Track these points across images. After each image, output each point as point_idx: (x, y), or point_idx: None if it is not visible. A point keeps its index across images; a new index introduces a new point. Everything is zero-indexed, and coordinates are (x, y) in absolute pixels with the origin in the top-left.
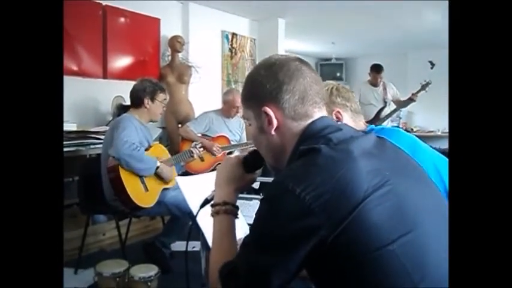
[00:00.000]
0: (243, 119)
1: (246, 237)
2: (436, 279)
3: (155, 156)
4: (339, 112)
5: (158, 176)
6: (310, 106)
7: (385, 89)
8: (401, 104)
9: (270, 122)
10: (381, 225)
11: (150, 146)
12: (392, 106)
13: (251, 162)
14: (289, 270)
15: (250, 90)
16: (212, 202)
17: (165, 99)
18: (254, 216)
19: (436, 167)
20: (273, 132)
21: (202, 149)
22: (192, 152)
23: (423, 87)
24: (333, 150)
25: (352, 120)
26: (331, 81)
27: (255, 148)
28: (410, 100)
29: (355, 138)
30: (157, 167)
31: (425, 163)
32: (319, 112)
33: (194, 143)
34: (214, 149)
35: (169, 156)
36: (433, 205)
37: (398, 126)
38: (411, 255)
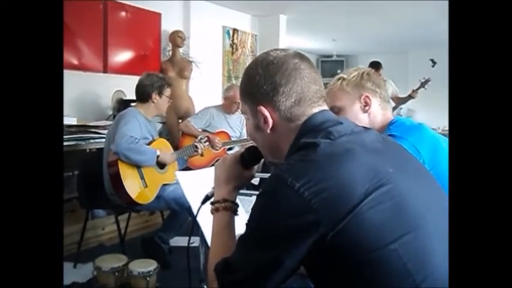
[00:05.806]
0: (241, 112)
1: (243, 233)
2: (438, 279)
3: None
4: (367, 97)
5: (160, 165)
6: (308, 107)
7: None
8: (400, 101)
9: (265, 121)
10: (382, 224)
11: (153, 140)
12: (391, 103)
13: (248, 158)
14: (286, 267)
15: (247, 87)
16: (212, 200)
17: (171, 94)
18: (250, 211)
19: None
20: (268, 131)
21: (207, 143)
22: (197, 147)
23: (422, 85)
24: (333, 146)
25: (381, 108)
26: (362, 67)
27: (251, 144)
28: (410, 97)
29: (356, 133)
30: (158, 156)
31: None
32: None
33: (200, 137)
34: (216, 141)
35: (171, 150)
36: (436, 204)
37: None
38: (413, 254)
